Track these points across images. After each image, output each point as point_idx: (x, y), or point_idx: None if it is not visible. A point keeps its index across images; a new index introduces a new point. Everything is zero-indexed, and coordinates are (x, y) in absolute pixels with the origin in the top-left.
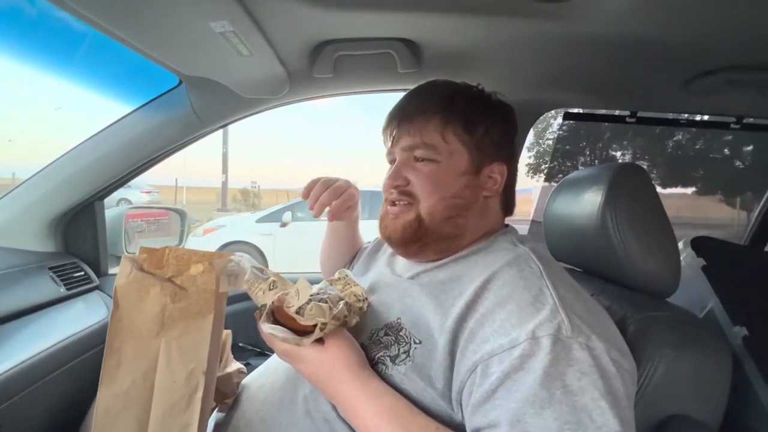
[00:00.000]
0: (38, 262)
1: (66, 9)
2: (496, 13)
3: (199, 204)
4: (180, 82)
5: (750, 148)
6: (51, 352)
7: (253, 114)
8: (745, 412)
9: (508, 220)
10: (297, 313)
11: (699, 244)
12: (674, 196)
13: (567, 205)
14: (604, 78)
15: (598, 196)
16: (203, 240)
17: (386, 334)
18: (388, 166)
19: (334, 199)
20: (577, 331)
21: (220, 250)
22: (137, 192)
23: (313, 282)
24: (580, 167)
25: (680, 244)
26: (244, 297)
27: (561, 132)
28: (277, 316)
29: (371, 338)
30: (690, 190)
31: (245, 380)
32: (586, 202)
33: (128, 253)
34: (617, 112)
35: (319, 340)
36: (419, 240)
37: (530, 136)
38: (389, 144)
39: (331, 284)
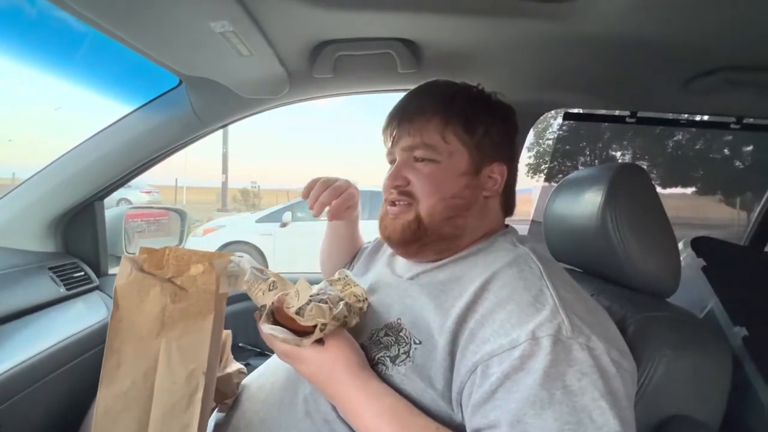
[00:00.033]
0: (38, 262)
1: (66, 9)
2: (496, 14)
3: (199, 204)
4: (180, 82)
5: (750, 148)
6: (51, 353)
7: (253, 114)
8: (745, 412)
9: (507, 221)
10: (297, 313)
11: (699, 245)
12: (674, 196)
13: (567, 206)
14: (604, 78)
15: (598, 197)
16: (203, 240)
17: (386, 335)
18: (388, 166)
19: (333, 198)
20: (577, 331)
21: (220, 250)
22: (137, 192)
23: (313, 282)
24: (580, 167)
25: (680, 245)
26: (244, 297)
27: (561, 132)
28: (277, 316)
29: (371, 339)
30: (690, 190)
31: (245, 380)
32: (586, 203)
33: (128, 253)
34: (617, 112)
35: (319, 341)
36: (419, 240)
37: (530, 136)
38: (389, 144)
39: (330, 284)
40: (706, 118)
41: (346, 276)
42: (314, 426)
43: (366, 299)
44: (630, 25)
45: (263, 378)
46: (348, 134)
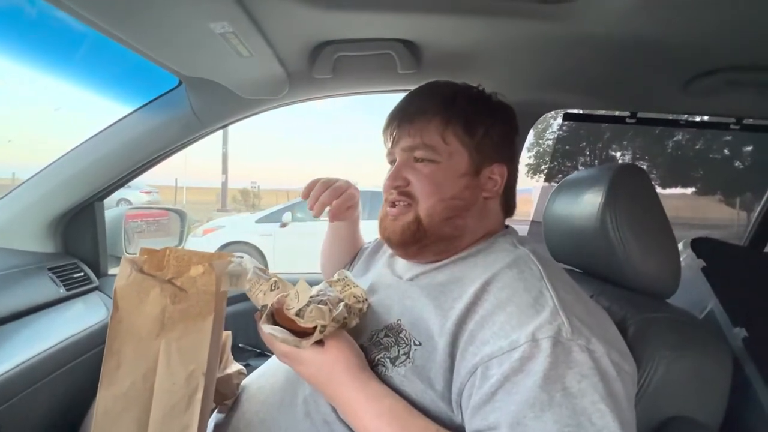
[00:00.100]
0: (38, 263)
1: (65, 9)
2: (496, 14)
3: (198, 204)
4: (180, 83)
5: (750, 148)
6: (50, 353)
7: (252, 115)
8: (745, 413)
9: (507, 221)
10: (297, 315)
11: (699, 245)
12: (674, 196)
13: (567, 206)
14: (604, 79)
15: (598, 197)
16: (203, 240)
17: (386, 336)
18: (387, 166)
19: (334, 199)
20: (577, 333)
21: (220, 251)
22: (137, 192)
23: (312, 283)
24: (580, 167)
25: (680, 245)
26: (244, 298)
27: (561, 132)
28: (277, 317)
29: (371, 340)
30: (690, 191)
31: (245, 381)
32: (586, 203)
33: (128, 253)
34: (617, 113)
35: (319, 342)
36: (419, 241)
37: (530, 137)
38: (389, 144)
39: (330, 285)
40: (705, 118)
41: (346, 277)
42: (314, 427)
43: (366, 300)
44: (630, 25)
45: (263, 379)
46: (347, 134)
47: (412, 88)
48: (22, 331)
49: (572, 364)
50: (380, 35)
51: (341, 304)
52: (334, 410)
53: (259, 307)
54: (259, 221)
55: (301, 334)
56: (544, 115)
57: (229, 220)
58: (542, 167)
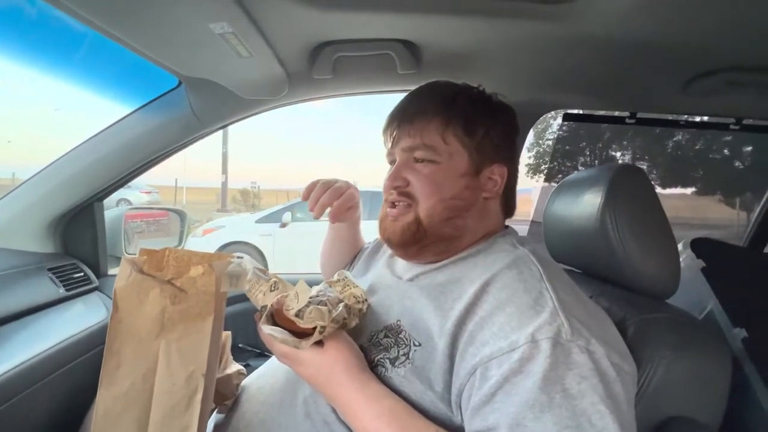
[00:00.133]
0: (37, 263)
1: (65, 10)
2: (495, 15)
3: (198, 204)
4: (179, 83)
5: (750, 148)
6: (50, 354)
7: (252, 115)
8: (745, 413)
9: (507, 221)
10: (296, 315)
11: (698, 246)
12: (674, 196)
13: (566, 207)
14: (604, 79)
15: (598, 198)
16: (203, 240)
17: (386, 336)
18: (387, 166)
19: (334, 199)
20: (576, 334)
21: (220, 251)
22: (137, 192)
23: (312, 283)
24: (579, 167)
25: (680, 246)
26: (244, 298)
27: (561, 132)
28: (277, 318)
29: (371, 340)
30: (690, 191)
31: (245, 381)
32: (586, 204)
33: (128, 253)
34: (617, 113)
35: (319, 343)
36: (419, 242)
37: (530, 137)
38: (389, 145)
39: (330, 286)
40: (705, 118)
41: (346, 277)
42: (314, 427)
43: (365, 300)
44: (629, 26)
45: (263, 379)
46: (347, 134)
47: (412, 88)
48: (22, 332)
49: (572, 366)
50: (380, 35)
51: (341, 305)
52: (334, 411)
53: (259, 308)
54: (259, 221)
55: (301, 334)
56: (543, 116)
57: (229, 220)
58: (542, 167)
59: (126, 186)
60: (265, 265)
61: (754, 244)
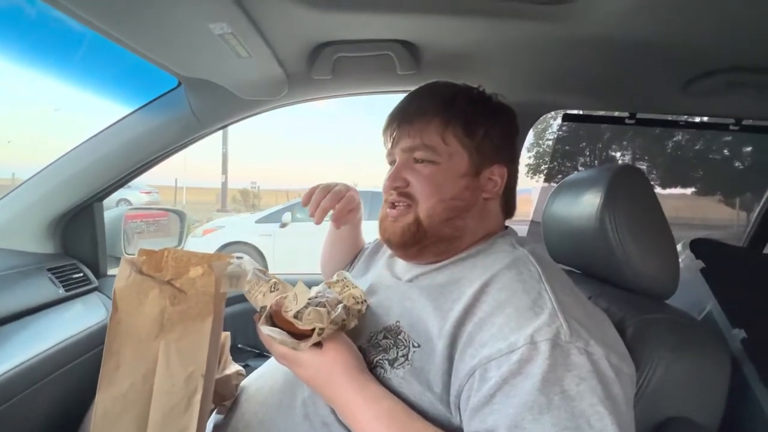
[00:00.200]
0: (37, 264)
1: (64, 11)
2: (495, 15)
3: (198, 204)
4: (179, 84)
5: (749, 149)
6: (49, 354)
7: (252, 115)
8: (743, 414)
9: (507, 221)
10: (295, 317)
11: (698, 246)
12: (674, 196)
13: (566, 207)
14: (604, 79)
15: (597, 198)
16: (203, 241)
17: (385, 338)
18: (387, 166)
19: (335, 203)
20: (575, 335)
21: (220, 251)
22: (137, 192)
23: (312, 283)
24: (579, 168)
25: (679, 246)
26: (243, 298)
27: (561, 133)
28: (276, 319)
29: (370, 341)
30: (689, 191)
31: (244, 382)
32: (585, 204)
33: (127, 254)
34: (616, 114)
35: (317, 344)
36: (418, 242)
37: (530, 137)
38: (389, 145)
39: (329, 287)
40: (705, 119)
41: (345, 278)
42: (313, 428)
43: (365, 301)
44: (629, 26)
45: (262, 380)
46: (347, 135)
47: (412, 89)
48: (22, 332)
49: (571, 367)
50: (379, 36)
51: (340, 306)
52: (333, 412)
53: (258, 309)
54: (258, 221)
55: (300, 335)
56: (543, 116)
57: (228, 220)
58: (542, 167)
59: (126, 186)
60: (265, 266)
61: (753, 245)
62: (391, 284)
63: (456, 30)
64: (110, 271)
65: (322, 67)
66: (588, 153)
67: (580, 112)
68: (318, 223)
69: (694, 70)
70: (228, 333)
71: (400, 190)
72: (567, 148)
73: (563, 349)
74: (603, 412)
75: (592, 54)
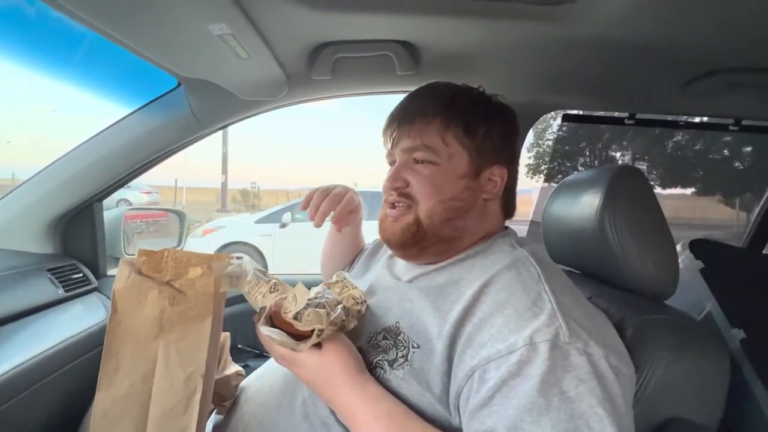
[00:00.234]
0: (37, 264)
1: (63, 11)
2: (494, 16)
3: (198, 204)
4: (179, 84)
5: (749, 149)
6: (49, 355)
7: (251, 116)
8: (743, 414)
9: (507, 222)
10: (294, 318)
11: (697, 247)
12: (674, 196)
13: (565, 207)
14: (604, 80)
15: (597, 199)
16: (203, 241)
17: (384, 338)
18: (387, 166)
19: (335, 206)
20: (575, 336)
21: (220, 251)
22: (137, 192)
23: (312, 284)
24: (579, 168)
25: (678, 247)
26: (244, 299)
27: (560, 133)
28: (275, 320)
29: (369, 342)
30: (689, 191)
31: (243, 383)
32: (585, 205)
33: (127, 254)
34: (616, 114)
35: (317, 345)
36: (418, 243)
37: (530, 137)
38: (389, 145)
39: (328, 288)
40: (705, 119)
41: (344, 278)
42: (312, 429)
43: (364, 302)
44: (629, 27)
45: (261, 380)
46: (347, 135)
47: (412, 89)
48: (21, 333)
49: (570, 368)
50: (379, 36)
51: (339, 307)
52: (333, 412)
53: (258, 309)
54: (258, 222)
55: (299, 336)
56: (543, 116)
57: (228, 220)
58: (542, 168)
59: (126, 186)
60: (265, 266)
61: (753, 245)
62: (391, 285)
63: (456, 30)
64: (110, 272)
65: (322, 68)
66: (588, 153)
67: (580, 113)
68: (318, 226)
69: (694, 70)
70: (228, 333)
71: (400, 190)
72: (567, 148)
73: (562, 350)
74: (602, 414)
75: (592, 54)
